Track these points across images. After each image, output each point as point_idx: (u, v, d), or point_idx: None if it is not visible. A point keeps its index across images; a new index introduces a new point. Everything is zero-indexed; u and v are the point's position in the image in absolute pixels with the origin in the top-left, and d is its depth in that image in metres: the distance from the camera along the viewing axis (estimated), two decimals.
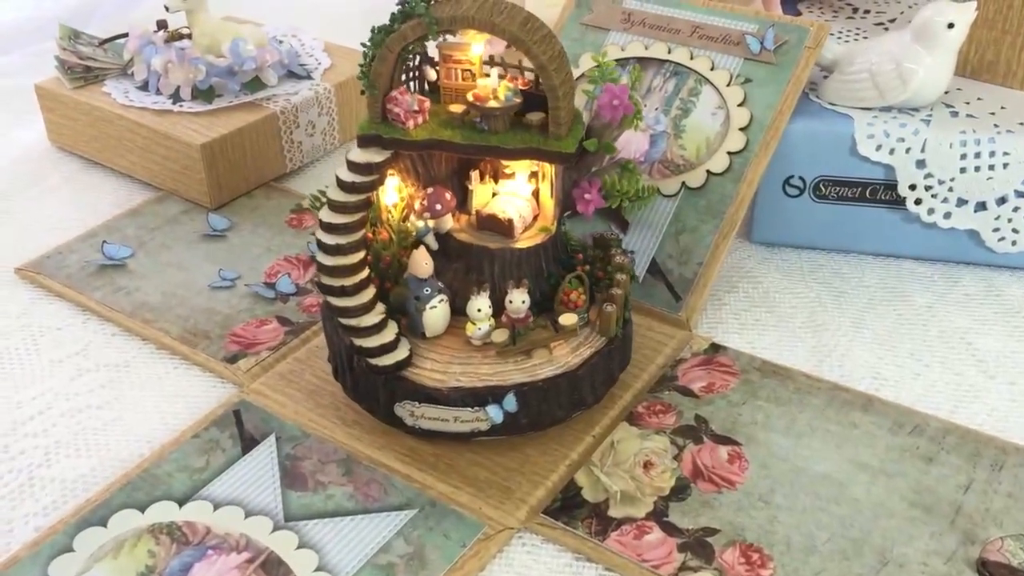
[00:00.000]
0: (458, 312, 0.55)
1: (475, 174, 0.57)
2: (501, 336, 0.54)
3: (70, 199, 0.79)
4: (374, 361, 0.52)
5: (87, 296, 0.67)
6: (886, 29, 0.79)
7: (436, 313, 0.53)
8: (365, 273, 0.52)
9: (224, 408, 0.58)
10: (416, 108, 0.51)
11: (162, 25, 0.84)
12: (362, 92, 0.52)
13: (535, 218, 0.57)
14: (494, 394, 0.52)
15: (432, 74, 0.54)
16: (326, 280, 0.52)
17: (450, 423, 0.52)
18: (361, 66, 0.52)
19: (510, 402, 0.52)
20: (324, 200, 0.53)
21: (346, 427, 0.57)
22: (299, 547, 0.49)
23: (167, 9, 0.81)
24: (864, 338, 0.63)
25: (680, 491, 0.52)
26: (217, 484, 0.53)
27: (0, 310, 0.67)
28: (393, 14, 0.50)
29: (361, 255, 0.52)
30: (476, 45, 0.54)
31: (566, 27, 0.74)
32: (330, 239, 0.51)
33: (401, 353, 0.52)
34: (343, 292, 0.52)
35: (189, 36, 0.84)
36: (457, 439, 0.53)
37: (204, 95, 0.79)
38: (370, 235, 0.55)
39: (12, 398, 0.60)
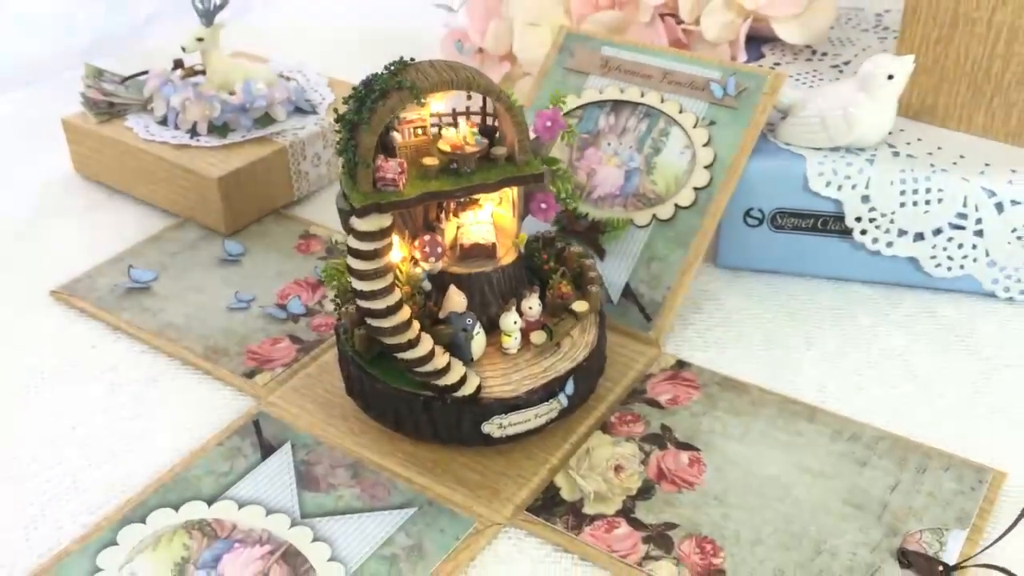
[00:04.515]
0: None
1: (443, 214, 0.64)
2: (540, 337, 0.61)
3: (96, 225, 0.87)
4: (458, 394, 0.58)
5: (117, 317, 0.75)
6: (840, 71, 0.86)
7: (480, 338, 0.60)
8: (417, 324, 0.58)
9: (244, 419, 0.65)
10: (401, 170, 0.57)
11: (178, 64, 0.92)
12: (347, 170, 0.56)
13: None
14: (559, 384, 0.60)
15: (399, 137, 0.61)
16: (390, 340, 0.57)
17: (531, 421, 0.60)
18: (341, 149, 0.56)
19: (569, 386, 0.61)
20: (337, 278, 0.60)
21: (354, 436, 0.64)
22: (314, 540, 0.57)
23: (183, 50, 0.88)
24: (813, 355, 0.70)
25: (646, 491, 0.59)
26: (240, 486, 0.60)
27: (39, 330, 0.74)
28: (362, 92, 0.56)
29: (408, 309, 0.58)
30: (436, 103, 0.61)
31: (551, 71, 0.82)
32: (379, 304, 0.57)
33: (474, 379, 0.59)
34: (410, 345, 0.57)
35: (203, 72, 0.91)
36: (535, 433, 0.61)
37: (219, 130, 0.87)
38: None
39: (52, 410, 0.67)
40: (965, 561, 0.54)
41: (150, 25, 1.27)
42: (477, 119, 0.64)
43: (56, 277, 0.80)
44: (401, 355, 0.58)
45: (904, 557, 0.54)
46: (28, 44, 1.18)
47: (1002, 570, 0.52)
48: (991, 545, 0.54)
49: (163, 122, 0.89)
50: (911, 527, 0.56)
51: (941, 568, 0.54)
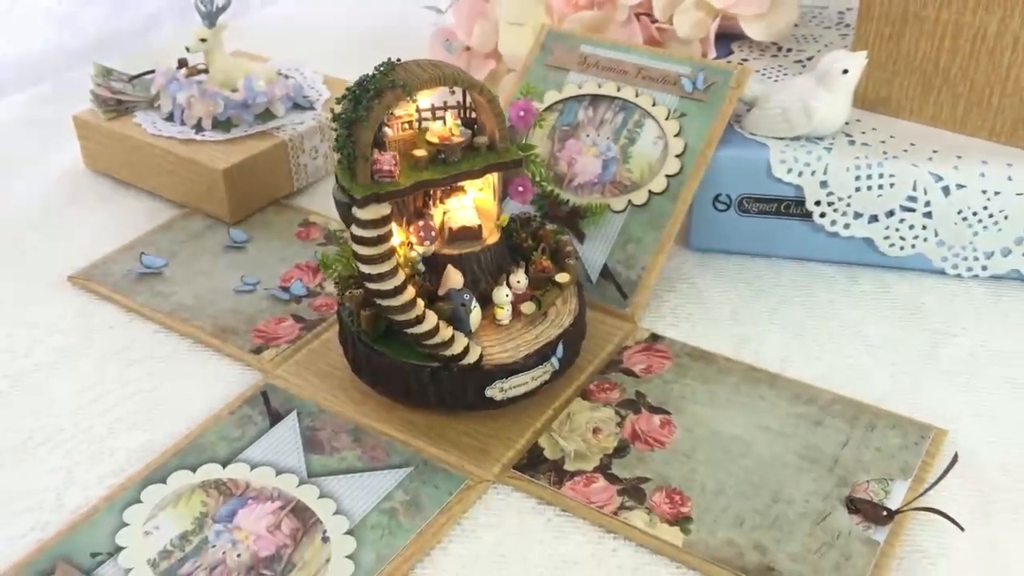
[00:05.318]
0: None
1: (430, 201, 0.69)
2: (529, 308, 0.67)
3: (108, 215, 0.92)
4: (463, 362, 0.64)
5: (131, 300, 0.80)
6: (804, 66, 0.92)
7: (477, 311, 0.66)
8: (421, 303, 0.63)
9: (253, 391, 0.71)
10: (395, 162, 0.63)
11: (183, 63, 0.97)
12: (345, 163, 0.61)
13: None
14: (551, 348, 0.66)
15: (390, 132, 0.66)
16: (400, 317, 0.62)
17: (528, 383, 0.66)
18: (340, 145, 0.61)
19: (559, 350, 0.66)
20: (335, 265, 0.66)
21: (354, 404, 0.70)
22: (320, 497, 0.63)
23: (188, 50, 0.93)
24: (776, 328, 0.77)
25: (621, 450, 0.65)
26: (252, 450, 0.66)
27: (59, 312, 0.80)
28: (357, 91, 0.61)
29: (412, 289, 0.63)
30: (424, 99, 0.67)
31: (533, 67, 0.88)
32: (387, 285, 0.62)
33: (476, 348, 0.64)
34: (418, 321, 0.63)
35: (206, 71, 0.97)
36: (531, 395, 0.67)
37: (222, 125, 0.92)
38: None
39: (75, 385, 0.73)
40: (905, 506, 0.60)
41: (152, 25, 1.33)
42: (460, 111, 0.69)
43: (73, 264, 0.85)
44: (410, 330, 0.63)
45: (852, 504, 0.61)
46: (33, 44, 1.23)
47: (935, 511, 0.58)
48: (927, 491, 0.60)
49: (169, 118, 0.94)
50: (859, 478, 0.63)
51: (885, 513, 0.60)
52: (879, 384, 0.71)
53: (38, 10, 1.24)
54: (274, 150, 0.91)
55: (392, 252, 0.63)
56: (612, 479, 0.63)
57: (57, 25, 1.25)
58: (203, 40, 0.93)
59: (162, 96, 0.95)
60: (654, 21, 0.95)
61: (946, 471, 0.61)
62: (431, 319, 0.63)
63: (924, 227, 0.79)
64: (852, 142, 0.80)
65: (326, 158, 0.97)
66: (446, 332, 0.64)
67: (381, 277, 0.62)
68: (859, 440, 0.65)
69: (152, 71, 0.97)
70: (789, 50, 0.95)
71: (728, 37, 0.97)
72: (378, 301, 0.63)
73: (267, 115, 0.94)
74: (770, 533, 0.59)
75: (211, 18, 0.93)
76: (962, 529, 0.58)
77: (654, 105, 0.82)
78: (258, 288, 0.82)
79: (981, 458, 0.65)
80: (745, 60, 0.94)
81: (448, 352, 0.64)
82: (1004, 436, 0.67)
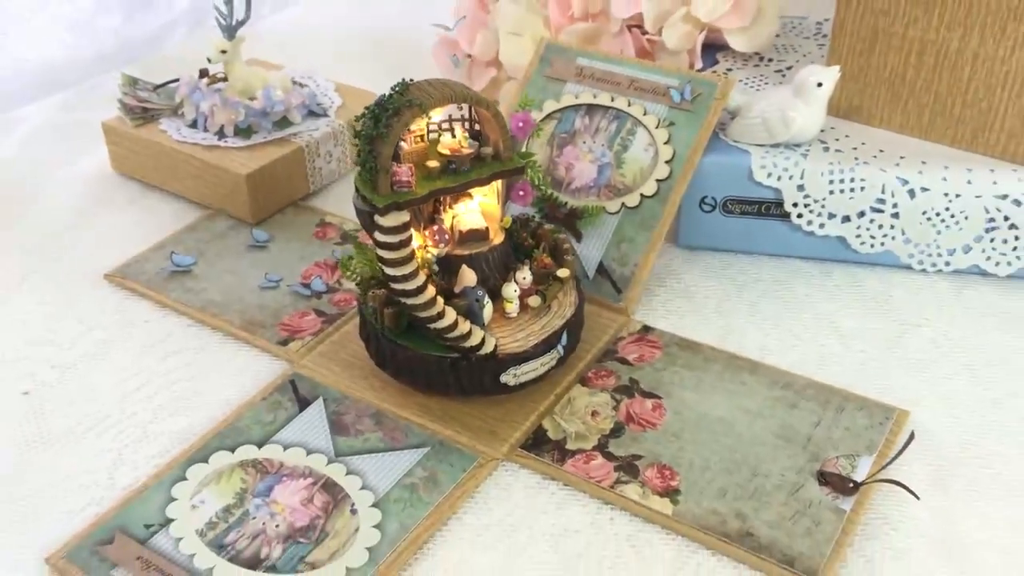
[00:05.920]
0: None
1: (441, 207, 0.76)
2: (535, 301, 0.74)
3: (136, 217, 0.99)
4: (481, 352, 0.71)
5: (165, 295, 0.87)
6: (783, 75, 1.00)
7: (489, 306, 0.72)
8: (441, 300, 0.70)
9: (282, 379, 0.78)
10: (411, 173, 0.69)
11: (204, 73, 1.04)
12: (367, 176, 0.67)
13: None
14: (556, 337, 0.73)
15: (405, 145, 0.72)
16: (423, 314, 0.69)
17: (538, 369, 0.73)
18: (363, 160, 0.67)
19: (563, 338, 0.74)
20: (356, 270, 0.73)
21: (375, 391, 0.77)
22: (347, 474, 0.70)
23: (209, 61, 1.00)
24: (756, 320, 0.84)
25: (617, 431, 0.73)
26: (284, 432, 0.73)
27: (98, 308, 0.87)
28: (376, 110, 0.67)
29: (432, 287, 0.70)
30: (436, 115, 0.73)
31: (533, 78, 0.94)
32: (411, 285, 0.68)
33: (491, 340, 0.71)
34: (440, 316, 0.69)
35: (225, 79, 1.03)
36: (540, 380, 0.74)
37: (243, 132, 0.99)
38: None
39: (118, 375, 0.80)
40: (869, 478, 0.68)
41: (165, 34, 1.39)
42: (465, 124, 0.76)
43: (107, 262, 0.92)
44: (433, 325, 0.70)
45: (822, 477, 0.68)
46: (53, 52, 1.29)
47: (895, 482, 0.66)
48: (887, 464, 0.68)
49: (193, 125, 1.01)
50: (829, 454, 0.70)
51: (851, 484, 0.67)
52: (849, 370, 0.78)
53: (57, 18, 1.31)
54: (292, 155, 0.98)
55: (413, 254, 0.70)
56: (609, 457, 0.71)
57: (76, 33, 1.31)
58: (223, 52, 0.99)
59: (186, 104, 1.01)
60: (644, 33, 1.02)
61: (904, 447, 0.68)
62: (451, 315, 0.70)
63: (892, 226, 0.86)
64: (827, 149, 0.88)
65: (339, 162, 1.03)
66: (464, 326, 0.71)
67: (405, 278, 0.69)
68: (830, 421, 0.73)
69: (176, 80, 1.04)
70: (770, 60, 1.02)
71: (714, 48, 1.04)
72: (402, 300, 0.70)
73: (284, 122, 1.01)
74: (749, 503, 0.67)
75: (231, 31, 0.99)
76: (918, 498, 0.66)
77: (645, 114, 0.89)
78: (281, 284, 0.88)
79: (940, 437, 0.72)
80: (730, 70, 1.01)
81: (467, 344, 0.71)
82: (962, 417, 0.74)
